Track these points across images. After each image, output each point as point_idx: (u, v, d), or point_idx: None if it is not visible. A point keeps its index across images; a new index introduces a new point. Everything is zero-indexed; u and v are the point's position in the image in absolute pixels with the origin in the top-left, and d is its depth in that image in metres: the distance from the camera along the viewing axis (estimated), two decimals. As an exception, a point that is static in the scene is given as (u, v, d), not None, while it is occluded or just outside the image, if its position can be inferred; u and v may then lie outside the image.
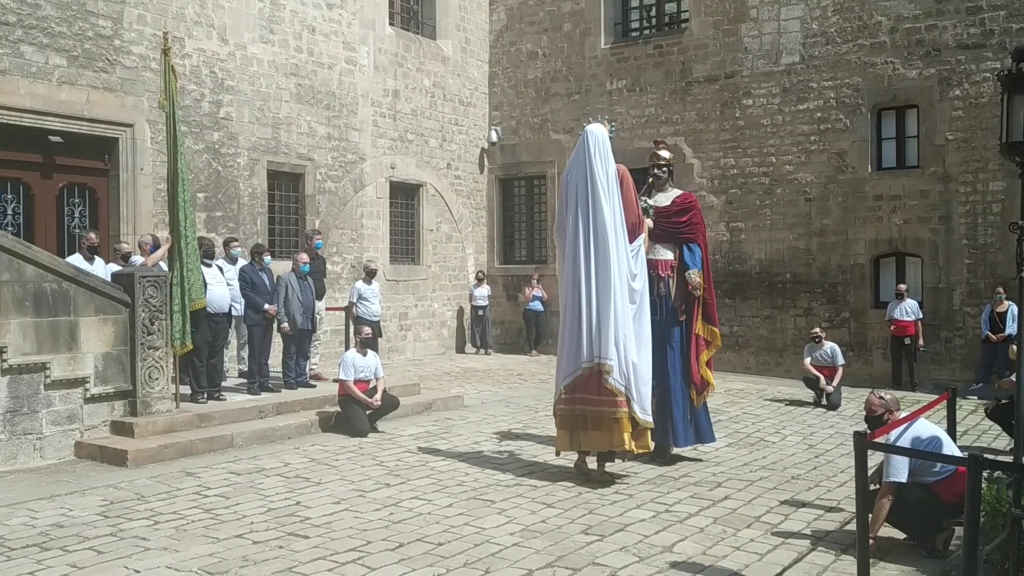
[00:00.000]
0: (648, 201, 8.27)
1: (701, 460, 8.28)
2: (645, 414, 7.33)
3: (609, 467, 7.63)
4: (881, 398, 5.91)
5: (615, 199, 7.40)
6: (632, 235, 7.52)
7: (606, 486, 7.22)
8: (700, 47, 15.95)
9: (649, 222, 8.04)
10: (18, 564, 5.28)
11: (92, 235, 10.10)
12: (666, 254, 8.28)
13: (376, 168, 16.00)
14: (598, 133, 7.53)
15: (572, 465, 7.68)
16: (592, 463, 7.56)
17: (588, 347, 7.29)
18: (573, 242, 7.42)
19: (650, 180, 8.58)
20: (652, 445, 7.59)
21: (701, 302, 8.26)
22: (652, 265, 8.05)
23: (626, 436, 7.22)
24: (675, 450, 8.27)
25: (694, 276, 8.16)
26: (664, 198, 8.46)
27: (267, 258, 10.85)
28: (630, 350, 7.27)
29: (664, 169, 8.58)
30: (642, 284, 7.54)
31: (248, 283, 10.29)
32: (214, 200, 13.04)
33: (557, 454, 7.83)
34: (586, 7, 17.31)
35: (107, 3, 11.63)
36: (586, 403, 7.32)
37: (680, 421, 8.11)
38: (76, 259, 9.54)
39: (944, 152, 13.71)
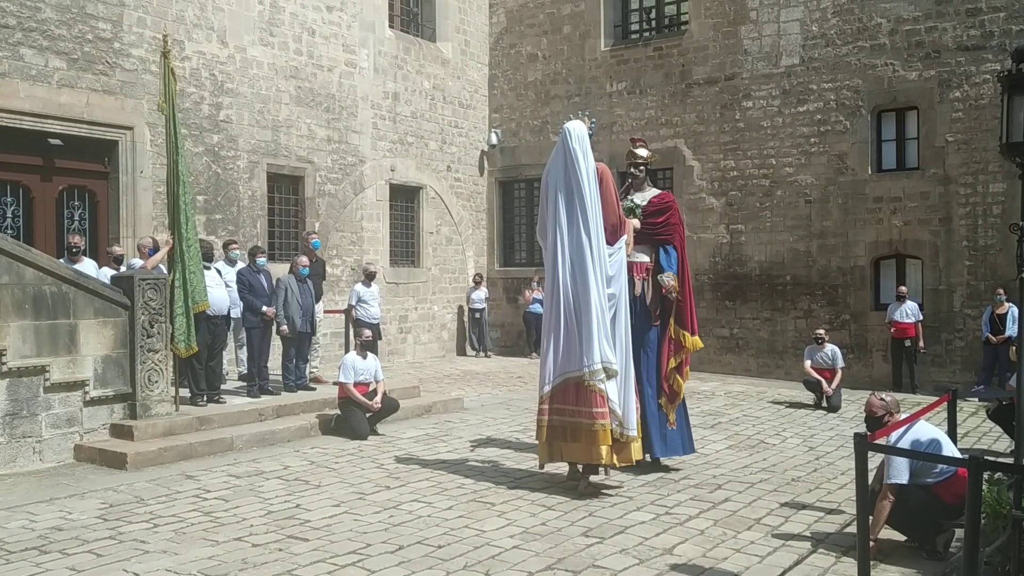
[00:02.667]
0: (635, 200, 8.07)
1: (679, 470, 7.97)
2: (626, 428, 7.00)
3: (597, 479, 7.32)
4: (882, 400, 5.90)
5: (596, 198, 7.10)
6: (613, 236, 7.24)
7: (591, 498, 6.94)
8: (700, 49, 15.95)
9: (636, 223, 7.82)
10: (17, 567, 5.27)
11: (74, 237, 10.11)
12: (642, 257, 7.99)
13: (376, 171, 16.00)
14: (577, 130, 7.21)
15: (566, 472, 7.58)
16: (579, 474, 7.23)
17: (568, 356, 6.99)
18: (553, 244, 7.14)
19: (628, 181, 8.39)
20: (635, 459, 7.22)
21: (675, 305, 7.98)
22: (628, 268, 7.63)
23: (604, 449, 6.87)
24: (652, 459, 7.93)
25: (667, 279, 7.89)
26: (641, 198, 8.20)
27: (260, 259, 10.68)
28: (614, 357, 6.99)
29: (642, 168, 8.34)
30: (618, 288, 7.21)
31: (246, 286, 10.29)
32: (214, 203, 13.04)
33: (541, 467, 7.44)
34: (586, 9, 17.32)
35: (107, 6, 11.63)
36: (564, 413, 7.00)
37: (655, 428, 7.81)
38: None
39: (944, 154, 13.71)
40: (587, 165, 7.14)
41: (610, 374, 6.95)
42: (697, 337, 8.18)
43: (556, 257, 7.12)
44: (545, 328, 7.30)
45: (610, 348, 6.99)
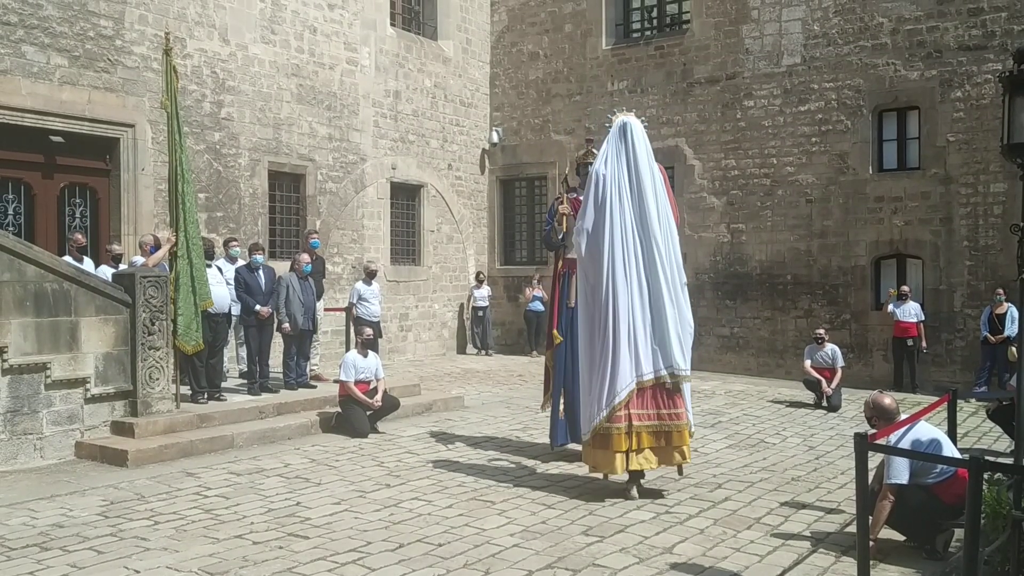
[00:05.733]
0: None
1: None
2: (692, 424, 7.18)
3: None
4: (871, 404, 5.88)
5: (667, 199, 7.12)
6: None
7: (655, 498, 6.87)
8: (701, 48, 15.95)
9: None
10: (18, 564, 5.28)
11: (78, 236, 10.13)
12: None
13: (377, 169, 16.00)
14: (640, 128, 7.11)
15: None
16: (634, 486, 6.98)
17: (645, 360, 6.79)
18: (611, 243, 6.83)
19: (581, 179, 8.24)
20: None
21: None
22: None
23: (686, 449, 7.03)
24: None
25: None
26: None
27: (257, 257, 10.47)
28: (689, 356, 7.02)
29: None
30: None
31: (242, 285, 10.20)
32: (215, 200, 13.04)
33: (605, 477, 7.14)
34: (587, 8, 17.31)
35: (108, 3, 11.64)
36: (643, 418, 6.78)
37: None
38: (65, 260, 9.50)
39: (945, 154, 13.71)
40: (653, 164, 7.12)
41: (677, 378, 6.94)
42: None
43: (620, 257, 6.84)
44: (605, 333, 6.82)
45: (684, 350, 6.98)
